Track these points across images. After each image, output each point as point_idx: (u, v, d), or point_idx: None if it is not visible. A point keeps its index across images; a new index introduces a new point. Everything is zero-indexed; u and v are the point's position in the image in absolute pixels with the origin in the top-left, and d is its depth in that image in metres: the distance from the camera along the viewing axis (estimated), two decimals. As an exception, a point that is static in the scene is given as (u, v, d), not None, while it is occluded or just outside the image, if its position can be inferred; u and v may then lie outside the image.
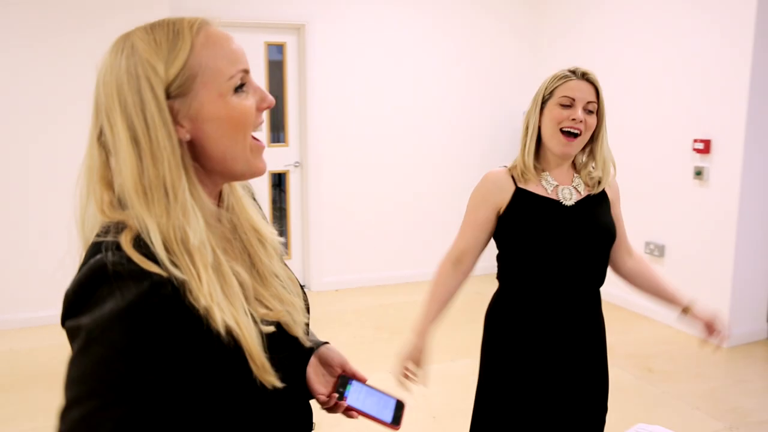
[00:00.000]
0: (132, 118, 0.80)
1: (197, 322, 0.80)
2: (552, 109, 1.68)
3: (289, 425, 0.98)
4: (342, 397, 1.07)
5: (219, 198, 0.95)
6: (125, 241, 0.78)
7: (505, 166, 1.78)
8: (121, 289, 0.76)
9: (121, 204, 0.83)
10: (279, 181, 5.33)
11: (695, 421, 3.12)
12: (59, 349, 4.04)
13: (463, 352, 3.89)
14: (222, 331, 0.80)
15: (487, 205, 1.73)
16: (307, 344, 0.97)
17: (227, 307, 0.82)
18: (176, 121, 0.84)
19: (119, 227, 0.81)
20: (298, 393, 1.03)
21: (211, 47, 0.85)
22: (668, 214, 4.42)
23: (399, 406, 1.11)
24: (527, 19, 5.66)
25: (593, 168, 1.77)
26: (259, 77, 4.97)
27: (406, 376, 1.79)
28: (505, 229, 1.72)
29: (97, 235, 0.81)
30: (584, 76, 1.69)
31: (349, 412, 1.06)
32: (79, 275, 0.79)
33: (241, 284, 0.88)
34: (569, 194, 1.72)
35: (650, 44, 4.50)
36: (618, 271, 1.89)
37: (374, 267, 5.46)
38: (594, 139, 1.74)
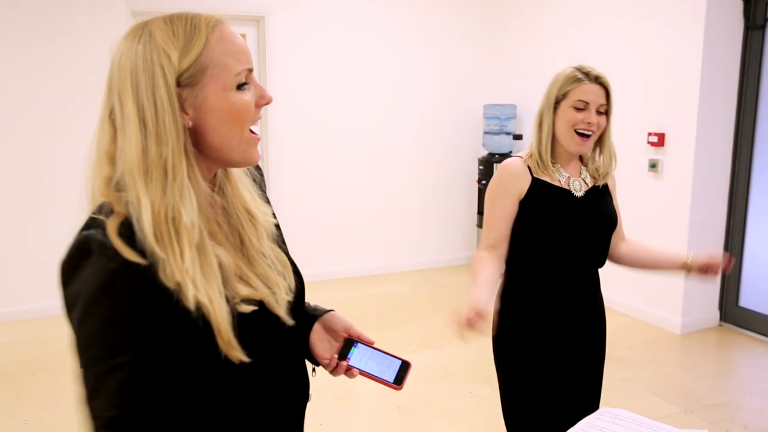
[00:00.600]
0: (142, 100, 0.87)
1: (168, 298, 0.87)
2: (567, 111, 1.80)
3: (274, 397, 1.04)
4: (344, 357, 1.11)
5: (213, 182, 1.01)
6: (111, 227, 0.86)
7: (520, 157, 1.89)
8: (101, 264, 0.84)
9: (118, 184, 0.89)
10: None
11: (652, 405, 3.22)
12: (50, 342, 3.98)
13: (428, 344, 3.93)
14: (192, 306, 0.87)
15: (511, 195, 1.83)
16: (289, 323, 1.01)
17: (202, 285, 0.88)
18: (182, 109, 0.90)
19: (109, 212, 0.88)
20: (280, 367, 1.07)
21: (222, 44, 0.92)
22: (624, 204, 4.52)
23: (404, 367, 1.12)
24: (488, 14, 5.71)
25: (598, 161, 1.92)
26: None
27: (469, 325, 1.66)
28: (522, 215, 1.83)
29: (93, 213, 0.89)
30: (597, 80, 1.81)
31: (350, 372, 1.11)
32: (69, 249, 0.87)
33: (221, 266, 0.93)
34: (579, 186, 1.86)
35: (606, 41, 4.59)
36: (613, 255, 2.02)
37: (340, 260, 5.47)
38: (602, 136, 1.88)
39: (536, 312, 1.87)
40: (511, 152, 5.42)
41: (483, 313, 1.67)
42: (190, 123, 0.91)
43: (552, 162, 1.85)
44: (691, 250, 1.96)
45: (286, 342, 1.06)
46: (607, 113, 1.84)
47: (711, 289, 4.30)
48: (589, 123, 1.78)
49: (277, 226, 1.14)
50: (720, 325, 4.34)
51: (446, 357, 3.78)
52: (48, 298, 4.47)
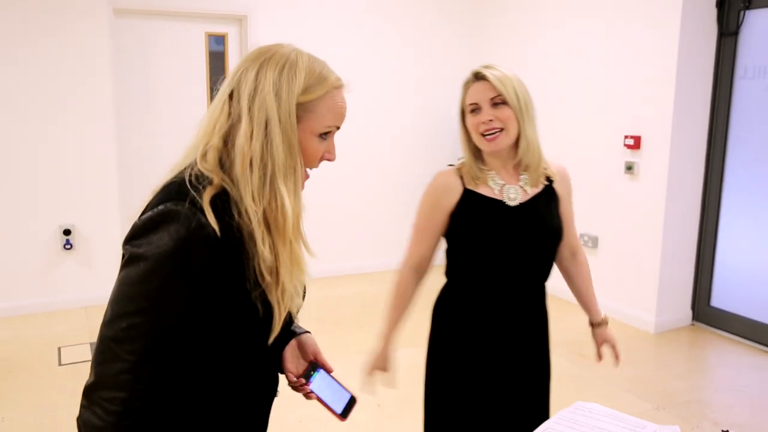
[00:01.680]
0: (283, 117, 1.02)
1: (241, 266, 1.00)
2: (469, 118, 1.72)
3: (261, 387, 1.18)
4: (307, 379, 1.22)
5: None
6: (207, 195, 0.97)
7: (453, 165, 1.81)
8: (181, 234, 0.95)
9: (221, 163, 1.02)
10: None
11: (626, 402, 3.29)
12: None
13: (407, 342, 3.96)
14: (267, 275, 1.02)
15: (440, 210, 1.75)
16: (295, 319, 1.15)
17: (288, 282, 1.05)
18: None
19: (207, 181, 0.99)
20: (274, 361, 1.21)
21: (333, 101, 1.09)
22: (601, 206, 4.62)
23: (351, 401, 1.26)
24: (470, 17, 5.77)
25: (523, 157, 1.76)
26: (200, 68, 4.90)
27: (372, 381, 1.86)
28: (453, 228, 1.75)
29: (190, 178, 0.99)
30: (478, 77, 1.71)
31: (309, 395, 1.22)
32: (152, 214, 0.97)
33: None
34: (515, 194, 1.73)
35: (585, 45, 4.67)
36: (560, 266, 1.97)
37: (320, 259, 5.46)
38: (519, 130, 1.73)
39: (471, 329, 1.78)
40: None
41: (383, 368, 1.89)
42: None
43: (487, 169, 1.75)
44: (602, 318, 2.08)
45: (283, 343, 1.17)
46: (508, 103, 1.67)
47: (684, 289, 4.40)
48: (484, 122, 1.67)
49: None
50: (692, 324, 4.43)
51: (424, 356, 3.80)
52: (24, 297, 4.43)
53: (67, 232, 4.50)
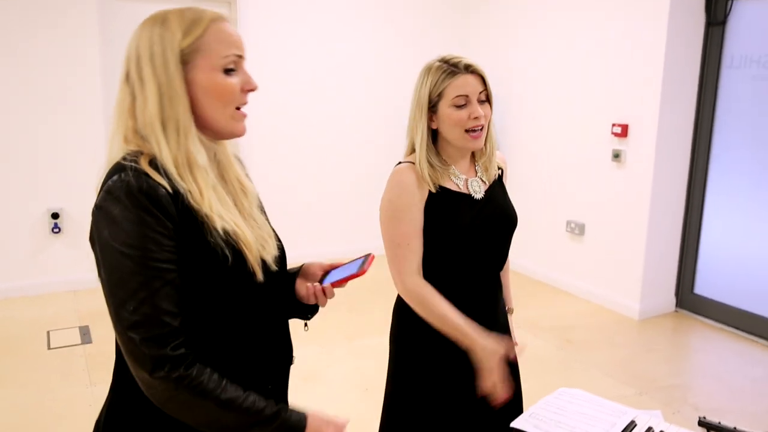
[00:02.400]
0: (158, 68, 1.06)
1: (197, 223, 1.04)
2: (449, 112, 1.64)
3: (271, 353, 1.21)
4: (322, 283, 1.26)
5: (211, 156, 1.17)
6: (143, 162, 1.03)
7: (404, 162, 1.73)
8: (134, 199, 0.99)
9: (141, 137, 1.07)
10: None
11: (608, 387, 3.36)
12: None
13: (382, 331, 4.00)
14: (221, 232, 1.05)
15: (416, 205, 1.67)
16: (274, 268, 1.17)
17: (226, 215, 1.08)
18: None
19: (138, 153, 1.05)
20: (281, 328, 1.25)
21: (217, 33, 1.10)
22: (588, 194, 4.66)
23: (366, 258, 1.28)
24: (454, 12, 5.75)
25: (482, 154, 1.75)
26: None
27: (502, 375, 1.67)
28: (425, 224, 1.68)
29: (123, 158, 1.04)
30: (469, 69, 1.64)
31: (330, 286, 1.26)
32: (103, 192, 1.02)
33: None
34: (478, 186, 1.72)
35: (573, 34, 4.68)
36: None
37: (300, 244, 5.50)
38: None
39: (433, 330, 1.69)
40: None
41: (502, 352, 1.65)
42: (186, 96, 1.07)
43: (444, 164, 1.70)
44: (510, 307, 1.93)
45: (270, 291, 1.18)
46: (489, 100, 1.67)
47: (668, 276, 4.46)
48: (476, 117, 1.62)
49: (261, 204, 1.29)
50: (676, 311, 4.50)
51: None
52: (12, 280, 4.43)
53: (55, 216, 4.49)
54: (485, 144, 1.73)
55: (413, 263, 1.68)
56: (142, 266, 0.99)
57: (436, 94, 1.65)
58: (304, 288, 1.30)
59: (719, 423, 1.44)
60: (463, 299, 1.70)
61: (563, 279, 4.86)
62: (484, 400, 1.69)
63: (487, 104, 1.67)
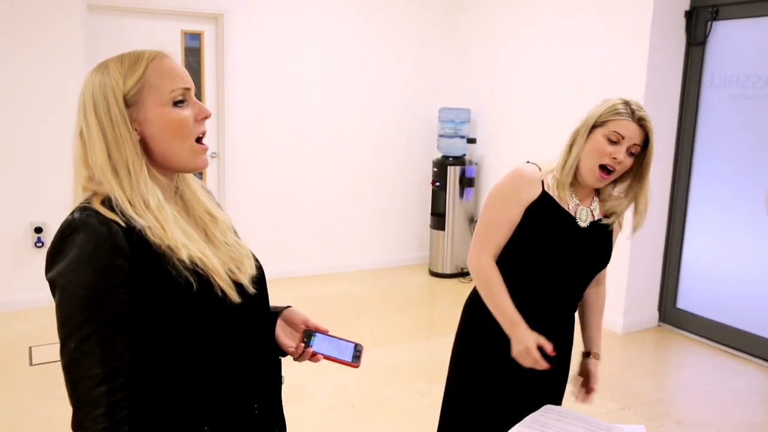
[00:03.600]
0: (101, 116, 1.07)
1: (156, 256, 1.03)
2: (599, 139, 1.70)
3: (256, 374, 1.20)
4: (307, 346, 1.26)
5: (174, 191, 1.18)
6: (95, 201, 1.05)
7: (535, 164, 1.79)
8: (83, 238, 0.99)
9: (97, 183, 1.07)
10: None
11: (593, 403, 3.34)
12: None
13: (380, 343, 4.00)
14: (187, 261, 1.05)
15: (520, 201, 1.73)
16: (251, 290, 1.16)
17: (191, 244, 1.08)
18: (131, 124, 1.09)
19: (92, 195, 1.07)
20: (267, 348, 1.25)
21: (159, 69, 1.11)
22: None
23: (358, 349, 1.31)
24: (445, 18, 5.82)
25: (616, 201, 1.82)
26: (176, 66, 4.86)
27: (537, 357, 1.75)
28: (525, 224, 1.74)
29: (78, 205, 1.05)
30: (639, 121, 1.71)
31: (314, 357, 1.26)
32: (55, 237, 1.02)
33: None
34: (585, 215, 1.77)
35: (556, 54, 4.75)
36: None
37: (294, 259, 5.50)
38: (639, 180, 1.80)
39: (501, 335, 1.77)
40: (464, 155, 5.54)
41: (539, 342, 1.74)
42: (138, 136, 1.09)
43: (571, 182, 1.76)
44: (596, 352, 2.08)
45: (251, 311, 1.18)
46: (645, 159, 1.75)
47: (651, 291, 4.51)
48: (615, 158, 1.68)
49: (234, 229, 1.28)
50: (659, 325, 4.55)
51: (397, 356, 3.86)
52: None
53: (38, 230, 4.45)
54: (626, 194, 1.80)
55: (493, 246, 1.77)
56: (90, 304, 0.99)
57: (601, 120, 1.72)
58: (286, 338, 1.28)
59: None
60: (537, 313, 1.77)
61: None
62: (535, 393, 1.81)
63: (632, 158, 1.72)
